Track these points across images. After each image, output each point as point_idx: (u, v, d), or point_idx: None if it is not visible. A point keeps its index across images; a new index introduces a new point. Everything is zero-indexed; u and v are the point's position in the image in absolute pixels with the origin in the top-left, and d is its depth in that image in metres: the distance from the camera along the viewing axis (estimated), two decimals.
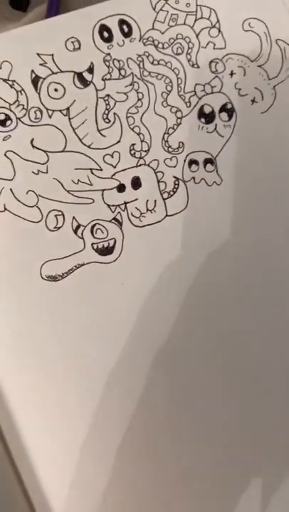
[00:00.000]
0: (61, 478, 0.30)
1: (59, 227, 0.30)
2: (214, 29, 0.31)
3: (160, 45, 0.31)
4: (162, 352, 0.31)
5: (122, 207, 0.31)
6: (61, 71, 0.30)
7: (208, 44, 0.31)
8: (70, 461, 0.30)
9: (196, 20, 0.31)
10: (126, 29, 0.31)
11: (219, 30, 0.31)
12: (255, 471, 0.31)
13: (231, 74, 0.31)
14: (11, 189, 0.30)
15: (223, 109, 0.31)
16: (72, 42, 0.31)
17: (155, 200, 0.31)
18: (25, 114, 0.30)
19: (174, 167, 0.31)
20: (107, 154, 0.31)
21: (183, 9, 0.31)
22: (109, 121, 0.31)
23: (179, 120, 0.31)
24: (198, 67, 0.31)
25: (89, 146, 0.31)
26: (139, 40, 0.31)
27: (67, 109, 0.30)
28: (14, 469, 0.30)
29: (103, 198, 0.31)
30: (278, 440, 0.31)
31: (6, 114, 0.30)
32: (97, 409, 0.30)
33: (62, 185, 0.30)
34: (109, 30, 0.31)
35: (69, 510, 0.30)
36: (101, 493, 0.30)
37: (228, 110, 0.31)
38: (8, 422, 0.30)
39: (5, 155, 0.30)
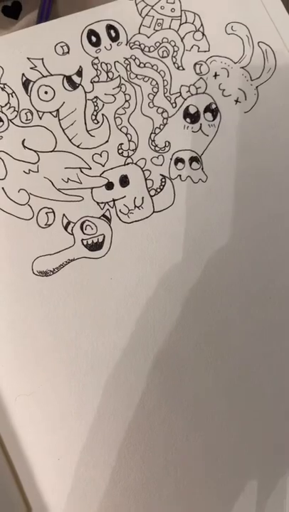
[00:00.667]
0: (59, 482, 0.30)
1: (50, 224, 0.31)
2: (198, 33, 0.33)
3: (146, 49, 0.32)
4: (153, 345, 0.31)
5: (111, 204, 0.32)
6: (51, 74, 0.32)
7: (192, 47, 0.33)
8: (70, 465, 0.30)
9: (180, 24, 0.33)
10: (113, 34, 0.32)
11: (203, 34, 0.32)
12: (254, 471, 0.32)
13: (215, 75, 0.32)
14: (2, 188, 0.31)
15: (208, 109, 0.32)
16: (62, 46, 0.32)
17: (143, 197, 0.32)
18: (16, 116, 0.31)
19: (161, 165, 0.32)
20: (96, 153, 0.32)
21: (168, 14, 0.33)
22: (98, 121, 0.32)
23: (165, 120, 0.32)
24: (183, 69, 0.32)
25: (78, 146, 0.32)
26: (126, 44, 0.32)
27: (57, 110, 0.32)
28: (12, 471, 0.31)
29: (92, 196, 0.32)
30: (276, 441, 0.32)
31: None
32: (89, 404, 0.31)
33: (52, 183, 0.31)
34: (97, 35, 0.32)
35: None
36: (99, 496, 0.30)
37: (212, 110, 0.32)
38: (2, 420, 0.30)
39: None
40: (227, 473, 0.31)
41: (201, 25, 0.32)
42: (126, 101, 0.32)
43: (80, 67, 0.32)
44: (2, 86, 0.31)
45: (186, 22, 0.33)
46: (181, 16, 0.33)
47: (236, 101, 0.32)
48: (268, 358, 0.32)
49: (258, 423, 0.31)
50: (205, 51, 0.32)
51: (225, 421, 0.31)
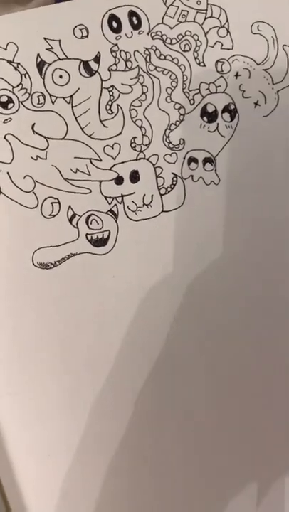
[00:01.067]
0: (40, 481, 0.30)
1: (54, 215, 0.30)
2: (223, 29, 0.31)
3: (168, 40, 0.31)
4: (151, 345, 0.31)
5: (119, 199, 0.31)
6: (67, 58, 0.30)
7: (215, 43, 0.31)
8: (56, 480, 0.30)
9: (205, 18, 0.31)
10: (135, 21, 0.31)
11: (228, 31, 0.31)
12: (254, 473, 0.32)
13: (236, 75, 0.31)
14: (8, 172, 0.29)
15: (226, 109, 0.31)
16: (81, 29, 0.30)
17: (152, 195, 0.31)
18: (27, 98, 0.30)
19: (174, 163, 0.31)
20: (108, 145, 0.31)
21: (193, 6, 0.31)
22: (112, 112, 0.31)
23: (181, 117, 0.31)
24: (204, 65, 0.31)
25: (90, 136, 0.30)
26: (148, 34, 0.31)
27: (71, 96, 0.30)
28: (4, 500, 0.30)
29: (100, 189, 0.31)
30: (275, 443, 0.32)
31: (8, 97, 0.29)
32: (80, 401, 0.30)
33: (60, 172, 0.30)
34: (118, 21, 0.31)
35: None
36: (83, 495, 0.30)
37: (230, 111, 0.31)
38: None
39: (4, 138, 0.29)
40: (226, 474, 0.31)
41: (227, 21, 0.31)
42: (143, 93, 0.31)
43: (98, 53, 0.30)
44: (15, 65, 0.29)
45: (211, 16, 0.31)
46: (206, 10, 0.31)
47: (256, 104, 0.31)
48: (267, 360, 0.32)
49: (256, 426, 0.32)
50: (228, 49, 0.31)
51: (220, 422, 0.31)
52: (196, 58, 0.31)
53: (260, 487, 0.32)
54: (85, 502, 0.30)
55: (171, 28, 0.31)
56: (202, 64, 0.31)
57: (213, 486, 0.31)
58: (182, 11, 0.31)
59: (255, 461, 0.32)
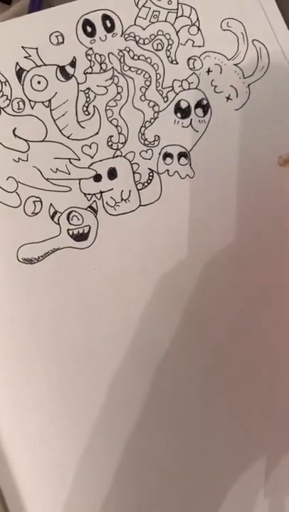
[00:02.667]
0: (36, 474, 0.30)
1: (37, 213, 0.32)
2: (194, 27, 0.32)
3: (141, 41, 0.32)
4: (135, 337, 0.32)
5: (98, 196, 0.32)
6: (45, 64, 0.32)
7: (187, 41, 0.32)
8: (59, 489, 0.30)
9: (176, 17, 0.32)
10: (109, 24, 0.32)
11: (198, 29, 0.32)
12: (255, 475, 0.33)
13: (208, 71, 0.32)
14: None
15: (199, 105, 0.32)
16: (57, 36, 0.32)
17: (130, 191, 0.33)
18: (8, 105, 0.32)
19: (149, 159, 0.33)
20: (86, 145, 0.32)
21: (165, 6, 0.32)
22: (89, 113, 0.32)
23: (155, 114, 0.33)
24: (176, 63, 0.32)
25: (68, 137, 0.32)
26: (121, 35, 0.32)
27: (49, 100, 0.32)
28: None
29: (80, 187, 0.32)
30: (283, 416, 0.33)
31: None
32: (70, 399, 0.31)
33: (41, 173, 0.32)
34: (92, 25, 0.32)
35: None
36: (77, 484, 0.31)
37: (203, 106, 0.32)
38: None
39: None
40: (233, 451, 0.32)
41: (197, 19, 0.32)
42: (118, 93, 0.32)
43: (74, 57, 0.32)
44: None
45: (182, 15, 0.32)
46: (177, 9, 0.32)
47: (228, 98, 0.32)
48: (266, 357, 0.32)
49: (257, 429, 0.32)
50: (199, 46, 0.32)
51: (217, 421, 0.32)
52: (168, 57, 0.32)
53: (269, 463, 0.32)
54: (76, 486, 0.31)
55: (144, 29, 0.32)
56: (174, 62, 0.32)
57: (220, 462, 0.32)
58: (154, 11, 0.32)
59: (263, 436, 0.33)
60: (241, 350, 0.33)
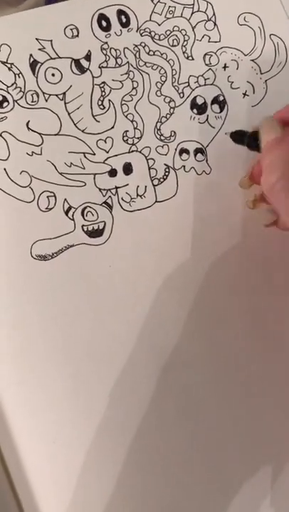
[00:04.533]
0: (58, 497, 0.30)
1: (51, 208, 0.31)
2: (210, 22, 0.32)
3: (156, 37, 0.32)
4: (149, 334, 0.31)
5: (113, 191, 0.32)
6: (59, 57, 0.31)
7: (203, 37, 0.32)
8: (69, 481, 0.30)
9: (192, 13, 0.32)
10: (124, 19, 0.32)
11: (215, 24, 0.32)
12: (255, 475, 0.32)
13: (225, 67, 0.32)
14: (4, 169, 0.31)
15: (215, 101, 0.32)
16: (71, 29, 0.31)
17: (146, 186, 0.32)
18: (22, 97, 0.31)
19: (165, 155, 0.32)
20: (101, 139, 0.32)
21: (180, 2, 0.32)
22: (104, 107, 0.32)
23: (171, 110, 0.32)
24: (192, 59, 0.32)
25: (83, 131, 0.31)
26: (137, 31, 0.32)
27: (64, 93, 0.31)
28: (10, 483, 0.30)
29: (95, 182, 0.32)
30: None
31: (3, 96, 0.31)
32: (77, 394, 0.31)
33: (55, 167, 0.31)
34: (107, 20, 0.32)
35: None
36: (91, 482, 0.30)
37: (219, 102, 0.32)
38: None
39: (0, 135, 0.31)
40: (239, 456, 0.31)
41: (214, 14, 0.32)
42: (133, 88, 0.32)
43: (89, 51, 0.32)
44: (9, 66, 0.31)
45: (198, 10, 0.32)
46: (193, 4, 0.32)
47: (244, 94, 0.32)
48: (268, 352, 0.32)
49: (260, 427, 0.32)
50: (216, 42, 0.32)
51: (223, 418, 0.31)
52: (184, 52, 0.32)
53: (275, 469, 0.32)
54: (90, 485, 0.31)
55: (159, 25, 0.32)
56: (190, 58, 0.32)
57: (226, 467, 0.31)
58: (169, 7, 0.32)
59: (269, 443, 0.32)
60: (251, 348, 0.32)
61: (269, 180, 0.24)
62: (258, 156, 0.28)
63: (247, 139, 0.29)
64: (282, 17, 0.32)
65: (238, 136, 0.30)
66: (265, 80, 0.32)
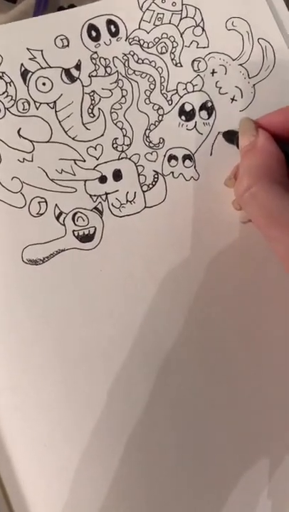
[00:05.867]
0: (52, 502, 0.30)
1: (42, 214, 0.32)
2: (198, 28, 0.33)
3: (145, 45, 0.33)
4: (141, 337, 0.32)
5: (103, 197, 0.32)
6: (50, 66, 0.32)
7: (191, 43, 0.33)
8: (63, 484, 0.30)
9: (181, 19, 0.33)
10: (113, 29, 0.33)
11: (203, 29, 0.32)
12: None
13: (213, 72, 0.32)
14: None
15: (204, 107, 0.33)
16: (62, 39, 0.32)
17: (135, 192, 0.33)
18: (13, 105, 0.32)
19: (154, 161, 0.33)
20: (91, 147, 0.32)
21: (169, 8, 0.33)
22: (94, 115, 0.32)
23: (160, 117, 0.33)
24: (181, 65, 0.33)
25: (73, 138, 0.32)
26: (126, 40, 0.33)
27: (54, 102, 0.32)
28: (1, 487, 0.31)
29: (85, 188, 0.32)
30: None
31: None
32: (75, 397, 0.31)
33: (46, 173, 0.32)
34: (97, 30, 0.32)
35: None
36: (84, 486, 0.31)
37: (208, 108, 0.32)
38: None
39: None
40: (237, 451, 0.31)
41: (202, 20, 0.32)
42: (122, 96, 0.32)
43: (79, 60, 0.32)
44: (0, 74, 0.32)
45: (186, 16, 0.33)
46: (182, 10, 0.33)
47: (232, 99, 0.32)
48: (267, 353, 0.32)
49: (258, 427, 0.32)
50: (204, 47, 0.32)
51: (218, 416, 0.31)
52: (172, 59, 0.33)
53: (271, 465, 0.32)
54: (81, 490, 0.31)
55: (148, 33, 0.33)
56: (179, 64, 0.33)
57: (222, 464, 0.31)
58: (158, 14, 0.33)
59: (265, 437, 0.32)
60: (244, 349, 0.32)
61: (238, 189, 0.24)
62: None
63: (236, 139, 0.29)
64: (270, 20, 0.32)
65: (229, 136, 0.30)
66: (253, 84, 0.32)
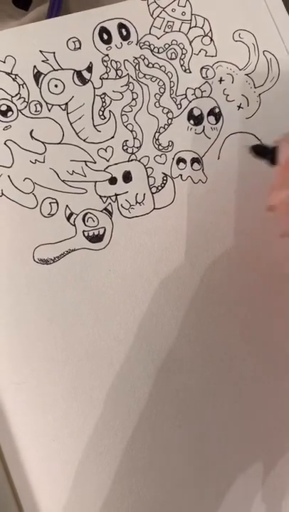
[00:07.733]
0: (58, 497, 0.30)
1: (53, 214, 0.32)
2: (207, 37, 0.34)
3: (155, 50, 0.33)
4: (148, 338, 0.32)
5: (113, 198, 0.33)
6: (62, 68, 0.32)
7: (200, 51, 0.34)
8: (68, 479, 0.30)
9: (190, 28, 0.34)
10: (124, 32, 0.33)
11: (211, 39, 0.34)
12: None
13: (220, 80, 0.34)
14: (8, 176, 0.32)
15: (211, 112, 0.34)
16: (74, 42, 0.33)
17: (144, 194, 0.33)
18: (26, 107, 0.32)
19: (163, 164, 0.33)
20: (101, 148, 0.33)
21: (179, 17, 0.34)
22: (105, 117, 0.33)
23: (169, 120, 0.34)
24: (190, 72, 0.34)
25: (84, 140, 0.33)
26: (136, 44, 0.33)
27: (66, 104, 0.32)
28: (9, 482, 0.31)
29: (96, 189, 0.33)
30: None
31: (7, 106, 0.32)
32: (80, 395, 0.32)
33: (57, 174, 0.32)
34: (108, 33, 0.33)
35: None
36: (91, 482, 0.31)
37: (215, 114, 0.34)
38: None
39: (5, 143, 0.32)
40: (225, 475, 0.32)
41: (210, 30, 0.34)
42: (133, 99, 0.33)
43: (91, 63, 0.33)
44: (13, 76, 0.32)
45: (195, 26, 0.34)
46: (191, 20, 0.34)
47: (239, 107, 0.34)
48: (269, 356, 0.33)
49: (259, 430, 0.33)
50: (212, 56, 0.34)
51: (220, 417, 0.32)
52: (182, 65, 0.34)
53: (266, 467, 0.33)
54: (89, 484, 0.31)
55: (158, 38, 0.34)
56: (188, 71, 0.34)
57: (219, 463, 0.32)
58: (168, 21, 0.34)
59: (262, 438, 0.33)
60: (247, 349, 0.33)
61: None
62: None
63: (269, 154, 0.28)
64: (275, 35, 0.33)
65: (261, 150, 0.29)
66: (259, 94, 0.34)
